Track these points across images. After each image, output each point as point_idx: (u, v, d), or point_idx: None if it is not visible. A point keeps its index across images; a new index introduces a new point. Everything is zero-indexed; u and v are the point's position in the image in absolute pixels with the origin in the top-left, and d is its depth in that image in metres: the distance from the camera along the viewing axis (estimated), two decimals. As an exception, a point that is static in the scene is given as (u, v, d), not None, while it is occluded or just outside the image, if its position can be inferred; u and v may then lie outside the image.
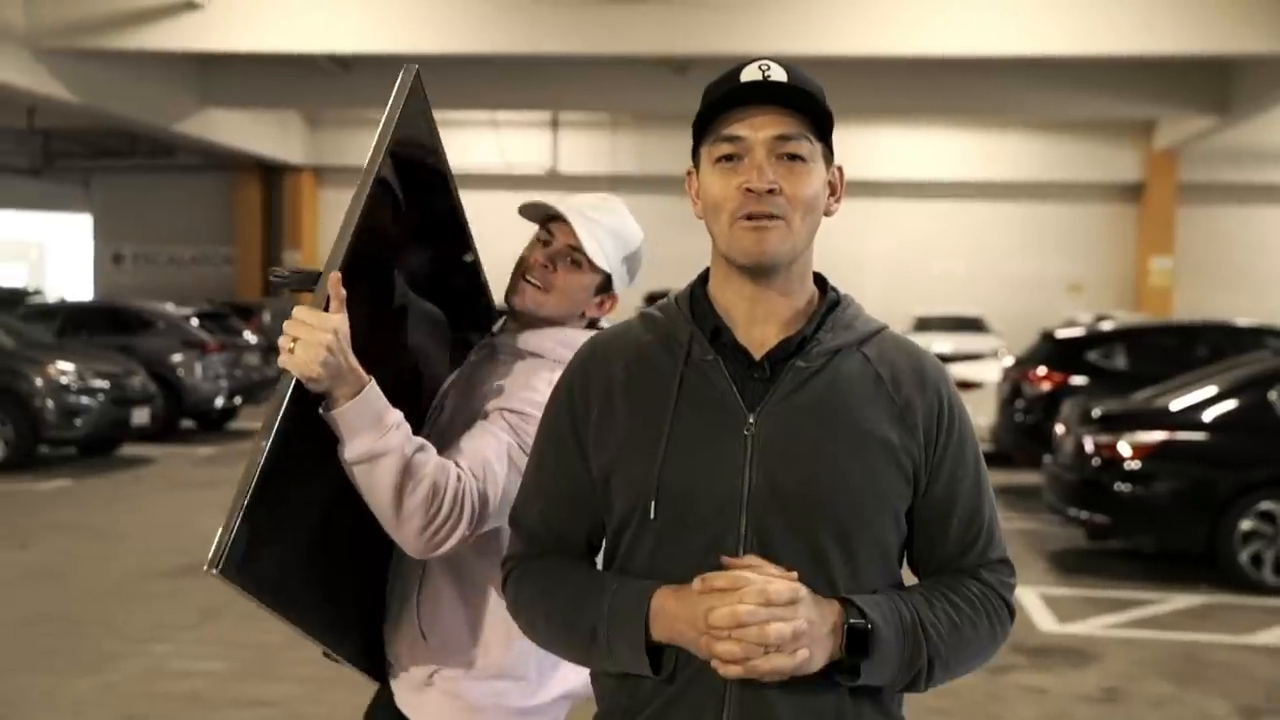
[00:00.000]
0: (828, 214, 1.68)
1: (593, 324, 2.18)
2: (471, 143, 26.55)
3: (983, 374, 12.98)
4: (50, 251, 33.06)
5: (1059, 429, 8.85)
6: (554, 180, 26.89)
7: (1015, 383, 11.35)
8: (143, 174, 27.42)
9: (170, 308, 16.47)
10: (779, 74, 1.59)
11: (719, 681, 1.54)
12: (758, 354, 1.64)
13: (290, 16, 16.85)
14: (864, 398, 1.63)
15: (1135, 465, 7.71)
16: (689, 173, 1.71)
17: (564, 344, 2.04)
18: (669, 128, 26.39)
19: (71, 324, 15.09)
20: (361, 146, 31.97)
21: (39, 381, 11.72)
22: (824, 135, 1.63)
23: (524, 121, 26.33)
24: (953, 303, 25.45)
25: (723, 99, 1.60)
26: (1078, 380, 10.90)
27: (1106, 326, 13.13)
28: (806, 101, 1.59)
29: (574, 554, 1.73)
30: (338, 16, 16.83)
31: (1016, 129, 25.68)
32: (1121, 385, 9.91)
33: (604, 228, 2.11)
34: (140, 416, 12.43)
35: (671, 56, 17.83)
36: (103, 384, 11.99)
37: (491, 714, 2.10)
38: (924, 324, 22.83)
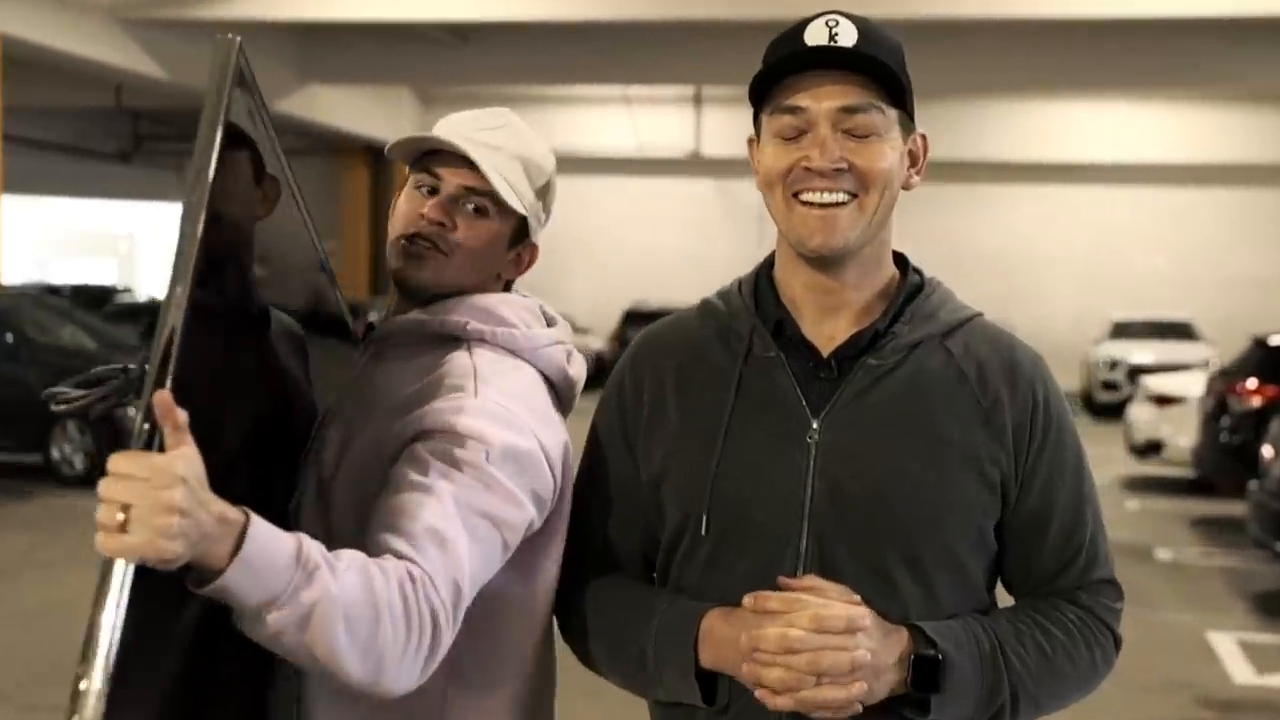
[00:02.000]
0: (906, 188, 1.69)
1: (507, 287, 1.92)
2: (601, 123, 26.84)
3: (1187, 388, 12.60)
4: (141, 244, 34.24)
5: (1268, 451, 8.50)
6: (697, 164, 26.88)
7: (1220, 397, 10.96)
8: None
9: None
10: (848, 33, 1.59)
11: (776, 715, 1.56)
12: (825, 350, 1.67)
13: (398, -19, 17.22)
14: (945, 398, 1.65)
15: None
16: (750, 141, 1.71)
17: (474, 312, 1.79)
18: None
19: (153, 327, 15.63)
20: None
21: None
22: (900, 100, 1.64)
23: (662, 97, 26.40)
24: (1157, 305, 24.68)
25: (782, 64, 1.60)
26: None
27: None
28: (878, 66, 1.59)
29: (627, 570, 1.77)
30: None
31: (1231, 102, 24.75)
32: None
33: (506, 154, 1.83)
34: None
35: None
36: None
37: None
38: (1122, 329, 22.29)
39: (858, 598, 1.56)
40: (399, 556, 1.53)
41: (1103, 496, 6.43)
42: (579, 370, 1.87)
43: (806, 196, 1.63)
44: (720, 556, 1.67)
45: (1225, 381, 11.06)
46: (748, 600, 1.57)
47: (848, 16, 1.62)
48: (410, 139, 1.84)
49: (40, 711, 5.85)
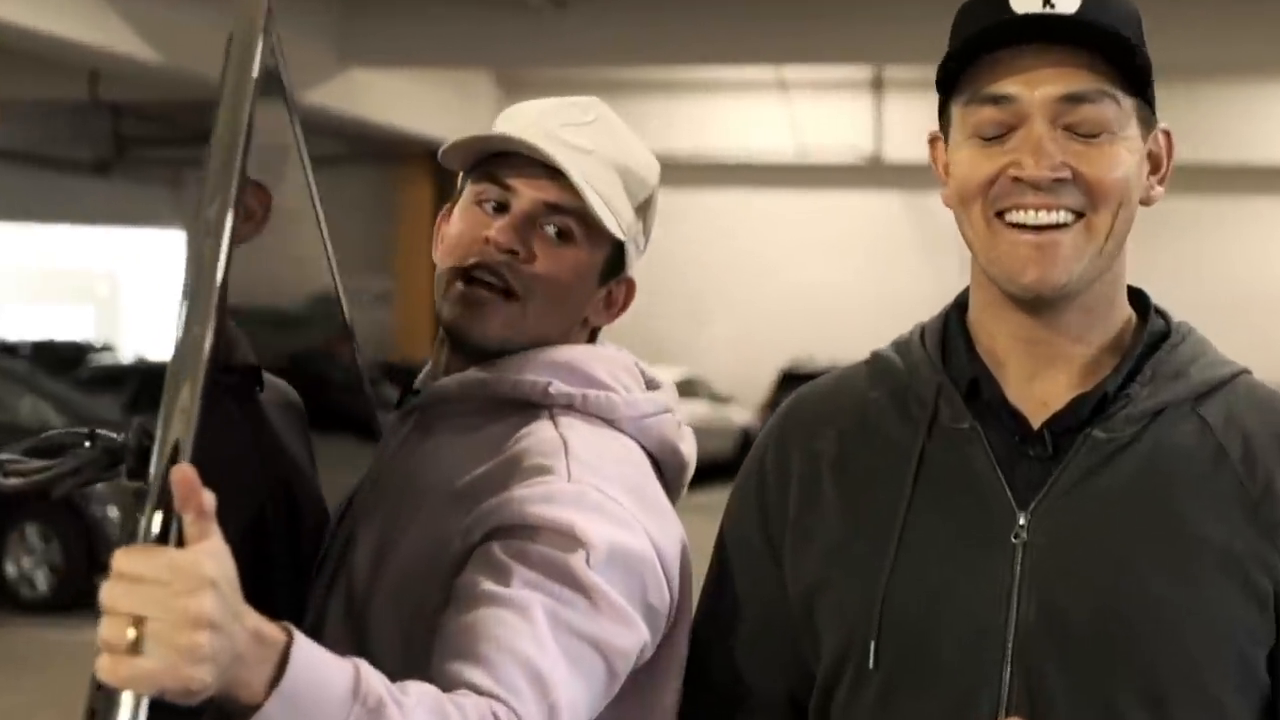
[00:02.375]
0: (1146, 203, 1.79)
1: (593, 336, 2.02)
2: (748, 118, 27.24)
3: None
4: (125, 285, 35.23)
5: None
6: (877, 171, 27.32)
7: None
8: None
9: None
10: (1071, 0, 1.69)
11: None
12: (1037, 419, 1.76)
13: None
14: (1198, 483, 1.74)
15: None
16: (933, 140, 1.82)
17: (556, 369, 1.88)
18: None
19: (150, 392, 15.77)
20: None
21: (98, 485, 12.46)
22: (1140, 86, 1.72)
23: (829, 82, 26.62)
24: None
25: (982, 37, 1.69)
26: None
27: None
28: (1113, 39, 1.68)
29: (768, 714, 1.89)
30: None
31: None
32: None
33: (599, 160, 1.89)
34: None
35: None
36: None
37: None
38: None
39: None
40: (479, 692, 1.60)
41: None
42: (690, 448, 1.98)
43: (1016, 217, 1.71)
44: (894, 699, 1.76)
45: None
46: None
47: None
48: (472, 139, 1.91)
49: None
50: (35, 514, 12.57)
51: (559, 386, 1.86)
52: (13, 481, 1.77)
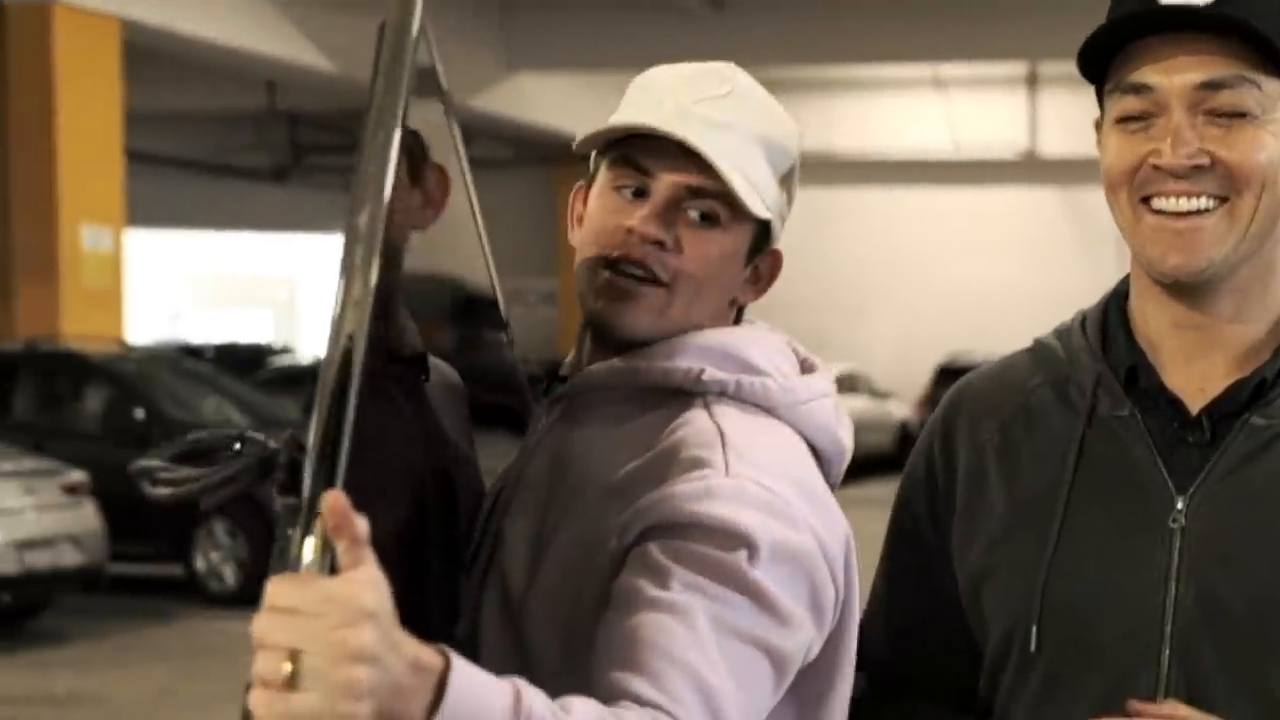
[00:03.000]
0: None
1: (739, 314, 1.93)
2: (905, 115, 27.09)
3: None
4: (303, 289, 35.68)
5: None
6: (1032, 166, 27.18)
7: None
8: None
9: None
10: None
11: None
12: (1195, 405, 1.76)
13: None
14: None
15: None
16: (1096, 126, 1.81)
17: (709, 354, 1.80)
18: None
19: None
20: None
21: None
22: None
23: (984, 79, 26.50)
24: None
25: (1119, 26, 1.72)
26: None
27: None
28: (1249, 27, 1.67)
29: (940, 699, 1.92)
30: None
31: None
32: None
33: (739, 134, 1.79)
34: None
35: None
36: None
37: None
38: None
39: None
40: (642, 703, 1.54)
41: None
42: (849, 435, 1.89)
43: (1159, 204, 1.72)
44: (1057, 681, 1.78)
45: None
46: None
47: None
48: (606, 129, 1.83)
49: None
50: (222, 510, 12.64)
51: (712, 373, 1.79)
52: (162, 491, 1.75)
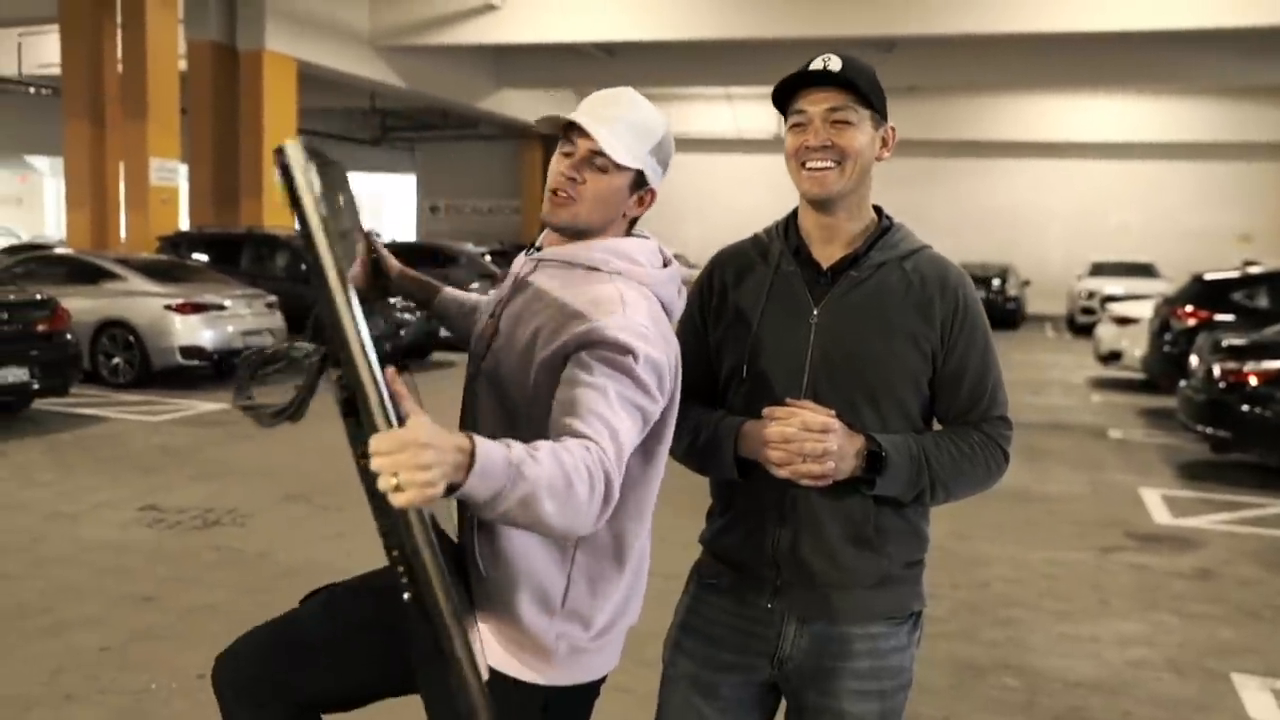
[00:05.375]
0: (879, 159, 1.75)
1: (633, 223, 1.76)
2: (707, 113, 26.41)
3: (1141, 311, 12.44)
4: (385, 204, 34.08)
5: (1193, 358, 8.55)
6: (778, 144, 26.19)
7: (1165, 319, 10.84)
8: (453, 143, 28.54)
9: (470, 247, 17.30)
10: (835, 65, 1.68)
11: (780, 486, 1.72)
12: (825, 265, 1.76)
13: (566, 13, 17.36)
14: (898, 298, 1.73)
15: (1256, 388, 7.44)
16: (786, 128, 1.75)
17: (613, 253, 1.68)
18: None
19: (398, 258, 15.92)
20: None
21: (378, 303, 12.52)
22: (873, 105, 1.70)
23: (754, 95, 25.94)
24: (1127, 252, 24.24)
25: (796, 82, 1.70)
26: (1222, 318, 10.36)
27: (1254, 271, 12.32)
28: (852, 83, 1.67)
29: (702, 399, 1.84)
30: (604, 11, 17.23)
31: (1190, 94, 23.90)
32: (1263, 324, 9.38)
33: (623, 124, 1.67)
34: (446, 331, 12.97)
35: (878, 38, 17.52)
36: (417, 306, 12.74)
37: (557, 654, 1.68)
38: (1099, 269, 21.81)
39: (833, 414, 1.67)
40: (578, 435, 1.44)
41: (1073, 393, 7.87)
42: (683, 302, 1.79)
43: (809, 164, 1.69)
44: (754, 391, 1.76)
45: (1169, 307, 10.86)
46: (765, 411, 1.69)
47: (838, 54, 1.69)
48: (554, 116, 1.69)
49: (330, 510, 5.98)
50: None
51: (613, 264, 1.67)
52: (267, 420, 1.54)
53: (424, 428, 1.20)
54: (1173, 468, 8.25)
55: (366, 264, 1.80)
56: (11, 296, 8.34)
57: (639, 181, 1.71)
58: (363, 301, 1.24)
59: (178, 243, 13.47)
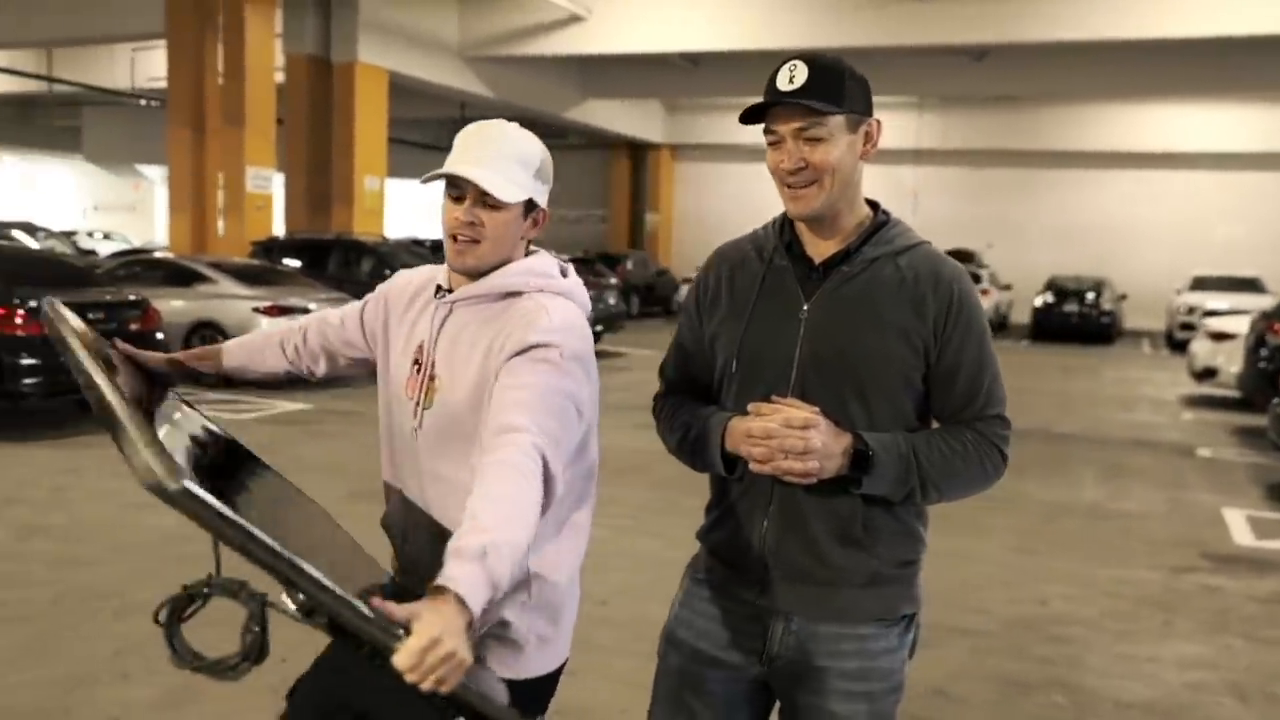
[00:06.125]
0: (864, 159, 1.72)
1: (530, 245, 1.80)
2: None
3: (1238, 327, 11.97)
4: None
5: (1286, 375, 8.21)
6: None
7: (1261, 334, 10.43)
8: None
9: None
10: (800, 77, 1.64)
11: (767, 483, 1.73)
12: (817, 260, 1.75)
13: (651, 24, 17.47)
14: (889, 294, 1.70)
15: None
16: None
17: (528, 273, 1.73)
18: (969, 107, 25.37)
19: None
20: (710, 128, 29.72)
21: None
22: (847, 107, 1.66)
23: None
24: (1231, 265, 23.28)
25: (759, 107, 1.68)
26: (1323, 334, 9.91)
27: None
28: (813, 101, 1.63)
29: (697, 394, 1.86)
30: (689, 22, 17.29)
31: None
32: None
33: (502, 159, 1.69)
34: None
35: (968, 45, 17.24)
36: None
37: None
38: (1200, 283, 21.06)
39: (817, 409, 1.65)
40: (515, 430, 1.50)
41: (1164, 410, 7.89)
42: (589, 301, 1.82)
43: (788, 184, 1.69)
44: (744, 386, 1.75)
45: (1265, 321, 10.49)
46: (750, 407, 1.69)
47: (803, 58, 1.64)
48: (435, 173, 1.70)
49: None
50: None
51: (532, 283, 1.71)
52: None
53: (430, 626, 1.20)
54: (1261, 488, 7.94)
55: (132, 371, 1.80)
56: (107, 297, 8.78)
57: (529, 206, 1.74)
58: (148, 411, 1.23)
59: (270, 248, 13.92)
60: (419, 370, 1.75)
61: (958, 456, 1.70)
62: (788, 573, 1.74)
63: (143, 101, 23.17)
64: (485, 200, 1.68)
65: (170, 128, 15.37)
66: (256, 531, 1.18)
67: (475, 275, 1.73)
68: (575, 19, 17.63)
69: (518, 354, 1.61)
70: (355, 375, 2.02)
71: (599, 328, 15.53)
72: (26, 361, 7.82)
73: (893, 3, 16.19)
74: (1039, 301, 21.47)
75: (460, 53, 18.43)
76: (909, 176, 26.12)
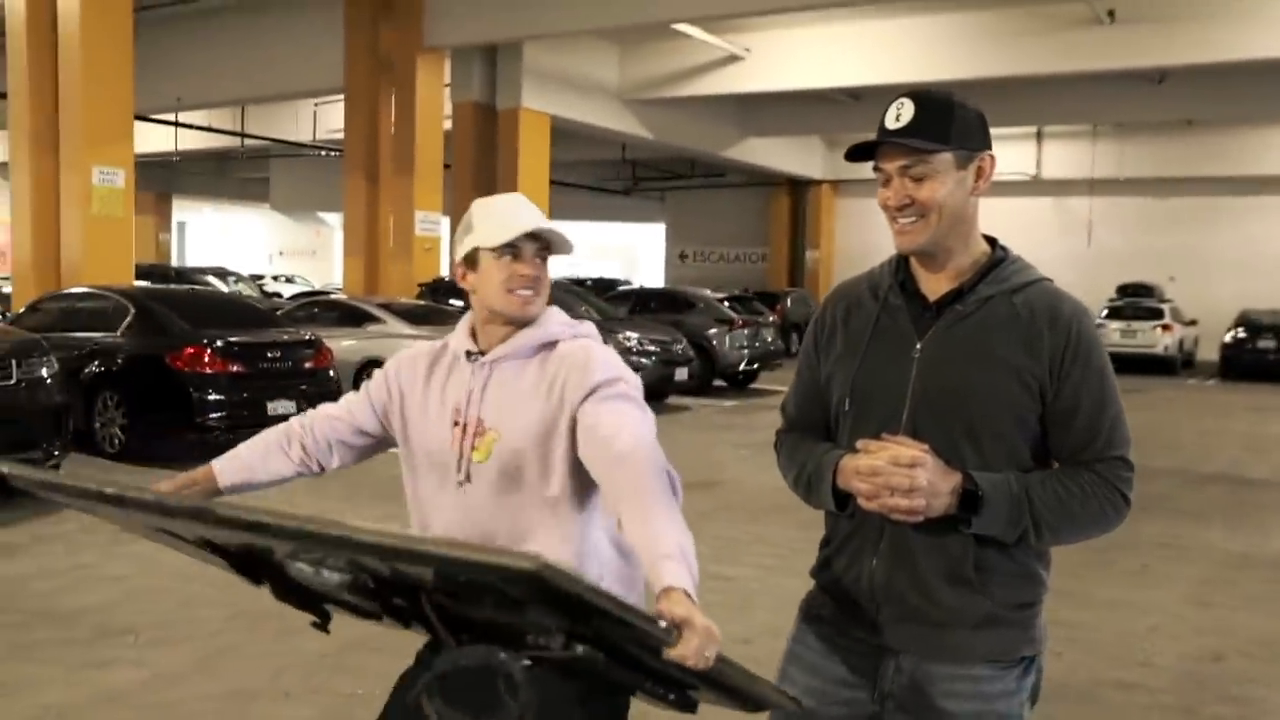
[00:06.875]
0: (975, 193, 1.72)
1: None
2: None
3: None
4: (638, 250, 35.03)
5: None
6: (1036, 185, 25.22)
7: None
8: (701, 191, 29.12)
9: (708, 292, 17.33)
10: (907, 115, 1.66)
11: (878, 520, 1.72)
12: (931, 299, 1.76)
13: (810, 60, 17.42)
14: (1002, 331, 1.69)
15: None
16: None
17: (559, 323, 1.88)
18: (1147, 133, 24.09)
19: (640, 304, 15.87)
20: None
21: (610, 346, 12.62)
22: (955, 144, 1.67)
23: (1007, 135, 24.75)
24: None
25: (871, 143, 1.71)
26: None
27: None
28: (917, 141, 1.65)
29: (816, 432, 1.87)
30: (848, 56, 17.17)
31: None
32: None
33: (542, 218, 1.86)
34: (681, 374, 13.02)
35: (1147, 69, 16.41)
36: (655, 348, 12.77)
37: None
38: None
39: (925, 448, 1.64)
40: (631, 452, 1.63)
41: None
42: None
43: (896, 220, 1.71)
44: (857, 423, 1.76)
45: None
46: (859, 444, 1.70)
47: (913, 95, 1.67)
48: (509, 236, 1.80)
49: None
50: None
51: (567, 331, 1.85)
52: None
53: (697, 618, 1.34)
54: None
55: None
56: (285, 337, 9.27)
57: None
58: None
59: (436, 288, 14.42)
60: (461, 428, 1.85)
61: (1074, 499, 1.67)
62: (897, 610, 1.75)
63: (323, 152, 24.54)
64: (542, 253, 1.84)
65: (346, 176, 16.23)
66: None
67: (520, 326, 1.86)
68: (733, 59, 17.75)
69: (589, 395, 1.74)
70: (362, 460, 2.08)
71: (754, 365, 15.47)
72: (213, 397, 8.32)
73: (1063, 28, 15.65)
74: (1229, 337, 20.05)
75: (620, 95, 18.80)
76: (1082, 207, 25.03)
